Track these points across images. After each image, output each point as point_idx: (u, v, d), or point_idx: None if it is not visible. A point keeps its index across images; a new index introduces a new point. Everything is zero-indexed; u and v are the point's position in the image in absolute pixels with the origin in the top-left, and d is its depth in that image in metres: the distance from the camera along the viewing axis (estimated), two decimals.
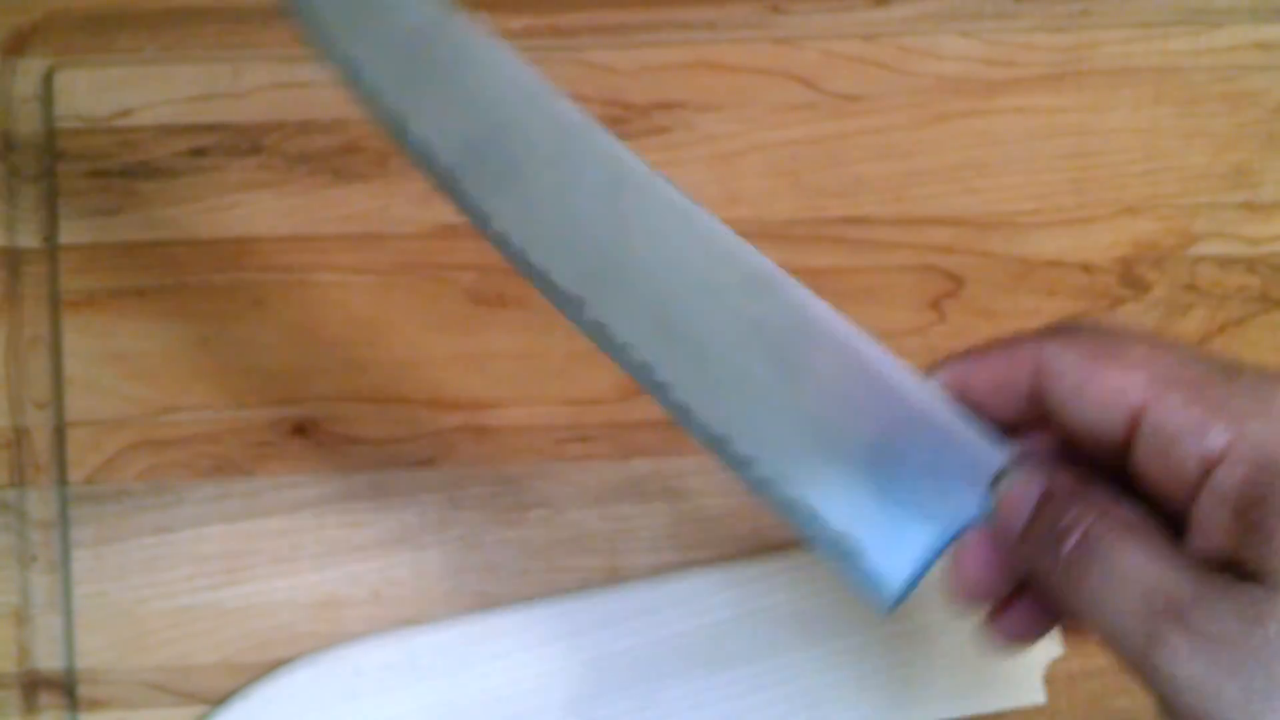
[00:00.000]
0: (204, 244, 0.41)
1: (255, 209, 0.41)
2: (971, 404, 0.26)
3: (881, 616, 0.27)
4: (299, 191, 0.41)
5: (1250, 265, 0.41)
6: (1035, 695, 0.39)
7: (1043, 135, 0.42)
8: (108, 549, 0.40)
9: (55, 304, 0.41)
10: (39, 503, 0.40)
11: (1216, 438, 0.23)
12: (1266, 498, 0.22)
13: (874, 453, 0.26)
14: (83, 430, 0.40)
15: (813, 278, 0.41)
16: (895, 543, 0.26)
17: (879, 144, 0.42)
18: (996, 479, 0.26)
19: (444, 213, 0.41)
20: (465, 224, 0.41)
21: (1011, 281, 0.41)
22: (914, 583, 0.26)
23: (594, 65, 0.42)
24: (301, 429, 0.40)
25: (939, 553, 0.26)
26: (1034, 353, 0.25)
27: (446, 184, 0.29)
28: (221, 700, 0.39)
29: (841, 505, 0.26)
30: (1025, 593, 0.27)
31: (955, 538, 0.26)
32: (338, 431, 0.40)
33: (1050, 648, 0.39)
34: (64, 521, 0.40)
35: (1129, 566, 0.23)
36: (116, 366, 0.40)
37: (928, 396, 0.27)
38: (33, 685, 0.39)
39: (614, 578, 0.40)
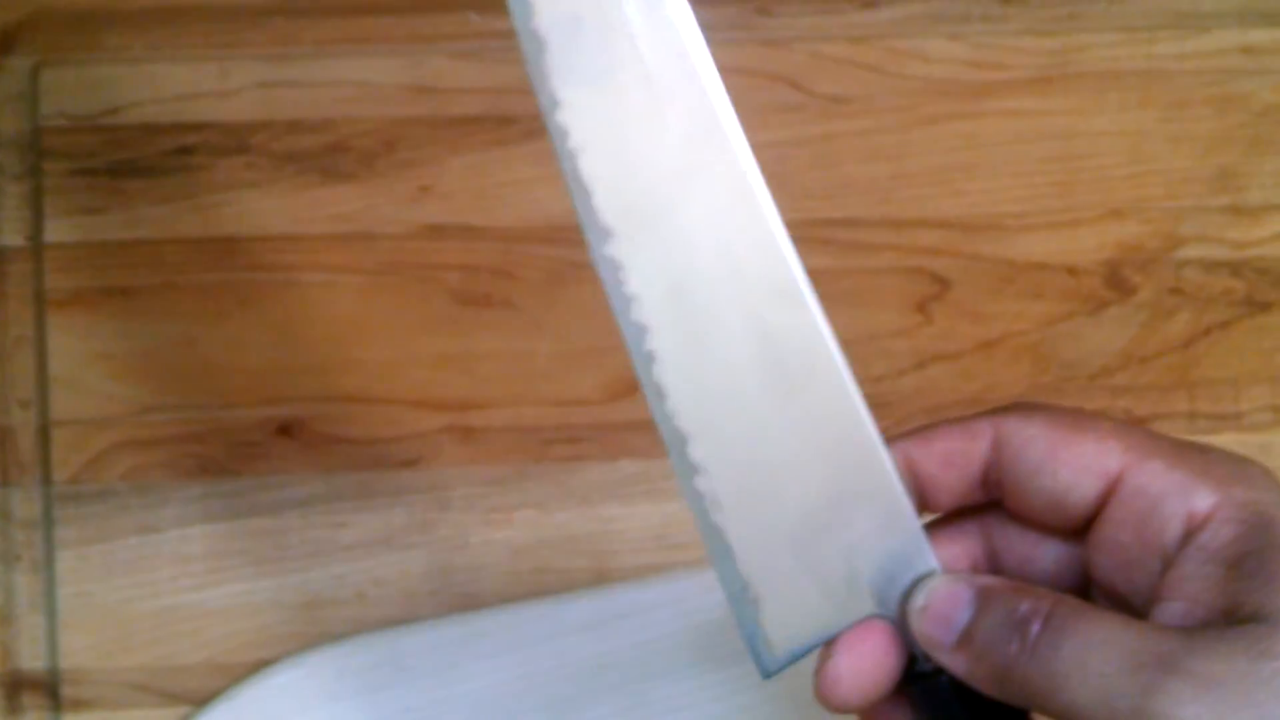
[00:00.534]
0: (190, 243, 0.41)
1: (242, 208, 0.41)
2: (919, 480, 0.26)
3: (760, 678, 0.27)
4: (286, 191, 0.41)
5: (1235, 269, 0.42)
6: None
7: (1030, 138, 0.42)
8: (92, 549, 0.39)
9: (40, 303, 0.40)
10: (23, 502, 0.40)
11: (1203, 499, 0.23)
12: (1263, 549, 0.22)
13: (814, 512, 0.26)
14: (67, 430, 0.40)
15: None
16: (794, 613, 0.26)
17: (866, 146, 0.42)
18: (915, 581, 0.25)
19: (431, 213, 0.41)
20: (451, 225, 0.41)
21: (998, 284, 0.41)
22: (796, 658, 0.26)
23: None
24: (287, 429, 0.40)
25: (831, 636, 0.26)
26: (994, 427, 0.25)
27: (534, 49, 0.27)
28: (206, 701, 0.39)
29: (759, 553, 0.26)
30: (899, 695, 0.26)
31: (847, 626, 0.26)
32: (323, 431, 0.40)
33: None
34: (48, 521, 0.40)
35: (1106, 634, 0.23)
36: (101, 366, 0.40)
37: (884, 475, 0.26)
38: (16, 685, 0.39)
39: (601, 579, 0.40)
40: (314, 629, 0.39)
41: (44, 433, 0.40)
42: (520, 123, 0.41)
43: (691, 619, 0.39)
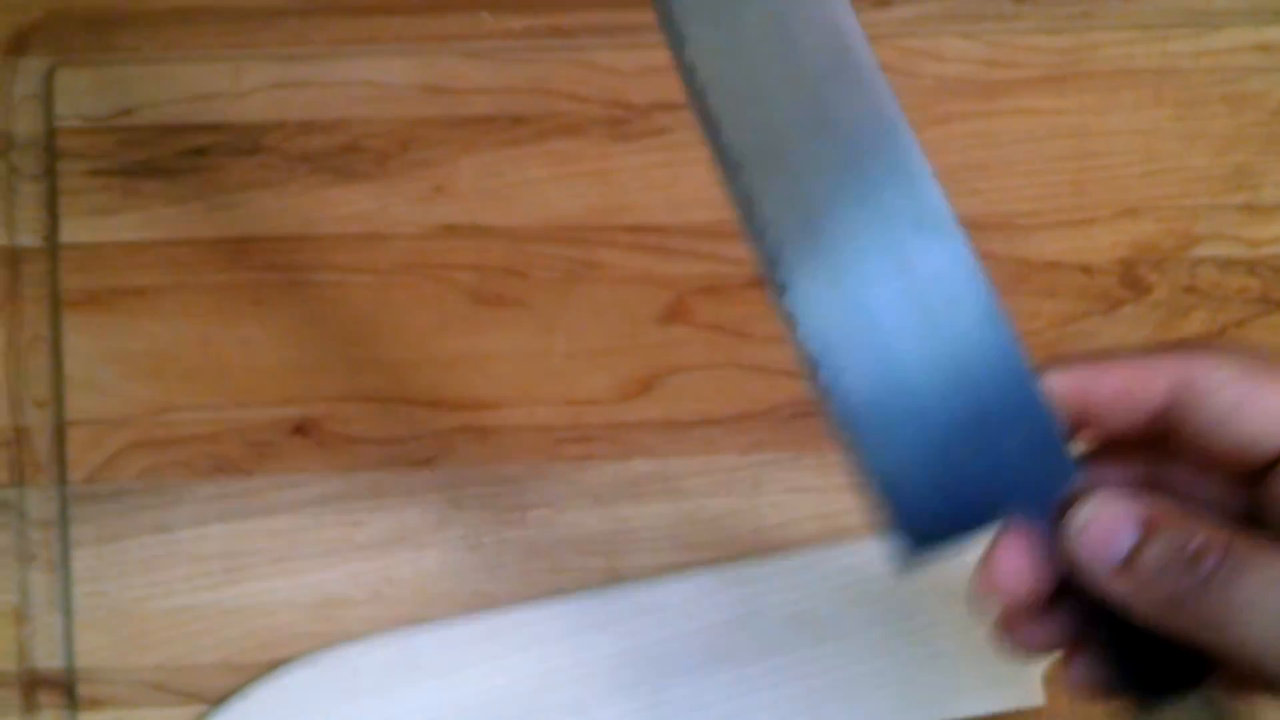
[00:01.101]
0: (205, 244, 0.41)
1: (256, 208, 0.41)
2: (1086, 411, 0.26)
3: (895, 571, 0.27)
4: (299, 191, 0.41)
5: (1250, 267, 0.42)
6: (1034, 697, 0.39)
7: (1043, 137, 0.42)
8: (107, 548, 0.40)
9: (55, 303, 0.41)
10: (39, 502, 0.40)
11: None
12: None
13: (960, 414, 0.26)
14: (83, 429, 0.40)
15: None
16: (939, 508, 0.26)
17: None
18: (1068, 496, 0.25)
19: (444, 213, 0.41)
20: (464, 225, 0.41)
21: (1012, 283, 0.41)
22: (938, 551, 0.26)
23: (596, 66, 0.42)
24: (301, 429, 0.40)
25: (977, 535, 0.26)
26: (1178, 367, 0.25)
27: None
28: (221, 700, 0.39)
29: (904, 450, 0.26)
30: (1051, 606, 0.26)
31: (1002, 528, 0.26)
32: (338, 431, 0.40)
33: None
34: (64, 521, 0.40)
35: None
36: (116, 366, 0.40)
37: (1033, 386, 0.26)
38: (32, 684, 0.39)
39: (614, 578, 0.40)
40: (329, 628, 0.39)
41: (60, 432, 0.40)
42: (533, 122, 0.41)
43: (706, 618, 0.39)
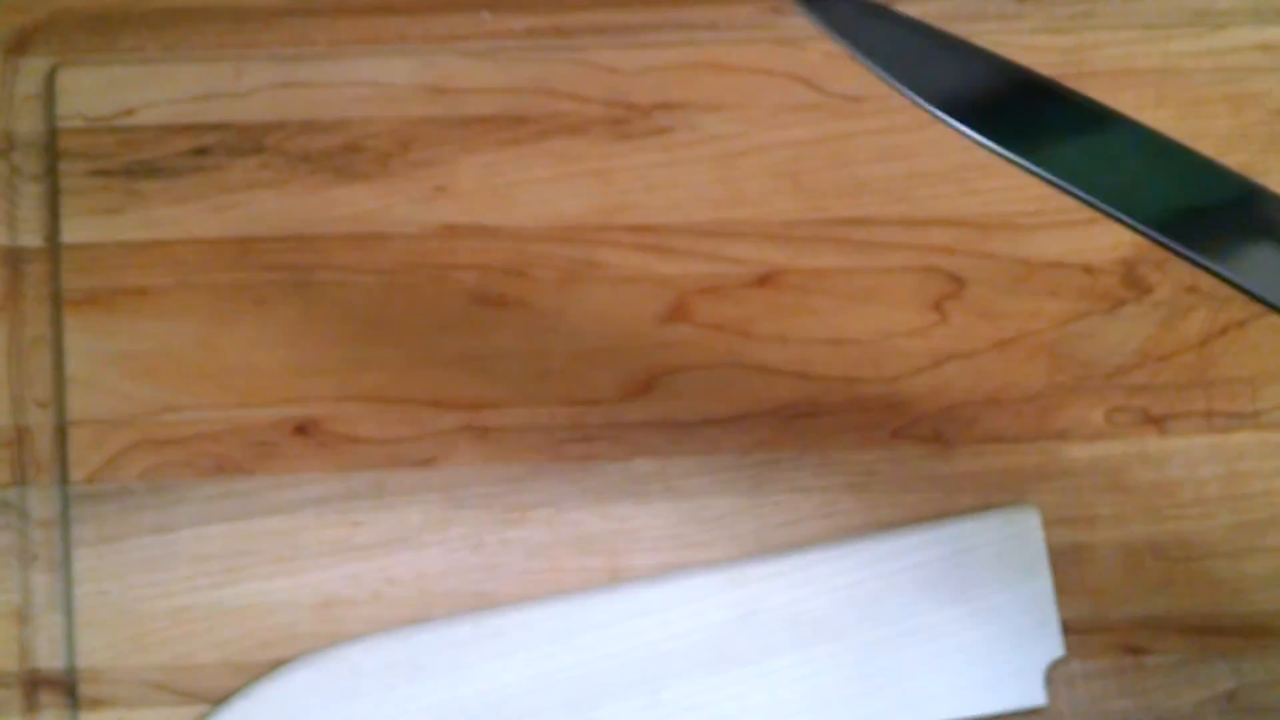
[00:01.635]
0: (206, 243, 0.41)
1: (257, 208, 0.41)
2: None
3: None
4: (301, 191, 0.41)
5: None
6: (1036, 696, 0.39)
7: None
8: (109, 548, 0.40)
9: (57, 303, 0.41)
10: (40, 501, 0.40)
11: None
12: None
13: None
14: (84, 429, 0.40)
15: (814, 278, 0.41)
16: None
17: (881, 145, 0.42)
18: None
19: (445, 213, 0.41)
20: (465, 225, 0.41)
21: (1013, 283, 0.41)
22: None
23: (597, 66, 0.42)
24: (303, 429, 0.40)
25: None
26: None
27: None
28: (222, 699, 0.39)
29: None
30: None
31: None
32: (339, 431, 0.40)
33: (1052, 648, 0.39)
34: (65, 520, 0.40)
35: None
36: (118, 366, 0.40)
37: None
38: (33, 684, 0.39)
39: (615, 578, 0.40)
40: (330, 628, 0.39)
41: (61, 432, 0.40)
42: (534, 122, 0.42)
43: (706, 618, 0.39)
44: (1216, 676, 0.40)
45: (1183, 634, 0.40)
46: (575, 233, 0.41)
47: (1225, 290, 0.42)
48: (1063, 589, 0.40)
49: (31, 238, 0.41)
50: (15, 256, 0.41)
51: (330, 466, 0.40)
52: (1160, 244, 0.29)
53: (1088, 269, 0.41)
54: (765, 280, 0.41)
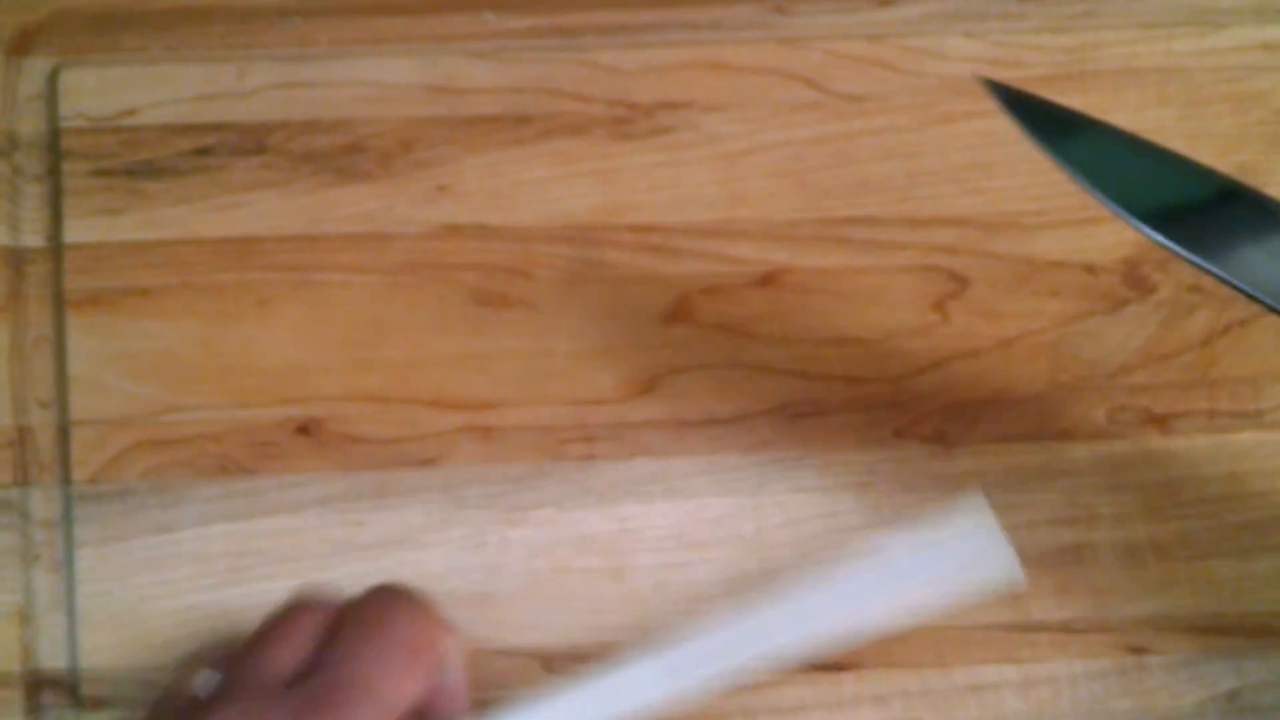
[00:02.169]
0: (208, 243, 0.41)
1: (259, 208, 0.41)
2: None
3: None
4: (303, 191, 0.41)
5: None
6: (1012, 569, 0.36)
7: None
8: (111, 548, 0.40)
9: (59, 303, 0.41)
10: (43, 502, 0.40)
11: None
12: None
13: None
14: (86, 429, 0.40)
15: (817, 278, 0.41)
16: None
17: (883, 144, 0.42)
18: None
19: (447, 213, 0.41)
20: (468, 224, 0.41)
21: (1016, 282, 0.41)
22: None
23: (599, 65, 0.42)
24: (305, 429, 0.40)
25: None
26: None
27: None
28: None
29: None
30: None
31: None
32: (341, 431, 0.40)
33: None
34: (68, 521, 0.40)
35: None
36: (120, 366, 0.40)
37: None
38: (36, 684, 0.39)
39: (618, 579, 0.40)
40: None
41: (63, 432, 0.40)
42: (537, 122, 0.42)
43: None
44: (1219, 676, 0.40)
45: (1185, 634, 0.40)
46: (577, 232, 0.41)
47: (1227, 290, 0.42)
48: (1064, 589, 0.40)
49: (34, 238, 0.41)
50: (17, 257, 0.41)
51: (332, 466, 0.40)
52: None
53: (1090, 269, 0.41)
54: (767, 280, 0.41)
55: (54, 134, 0.41)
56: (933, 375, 0.41)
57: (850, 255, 0.41)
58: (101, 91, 0.41)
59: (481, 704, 0.34)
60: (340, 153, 0.41)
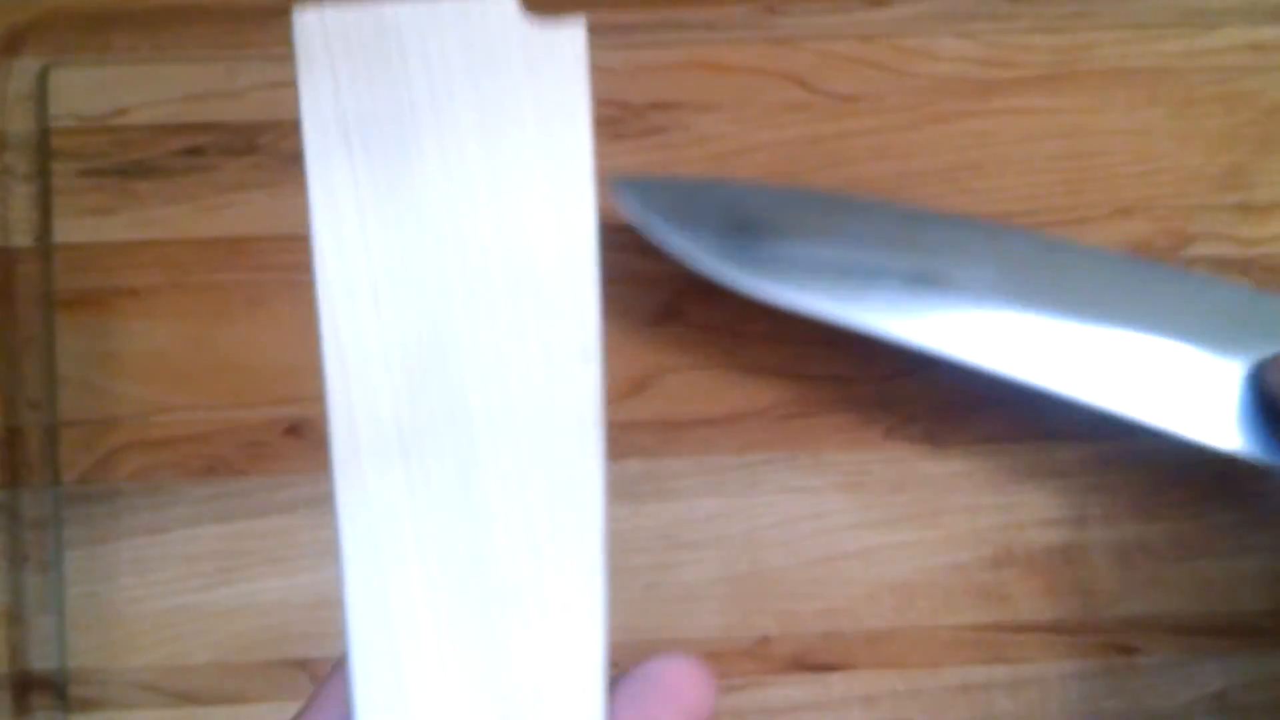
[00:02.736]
0: (199, 243, 0.41)
1: (250, 208, 0.41)
2: None
3: None
4: (294, 191, 0.41)
5: (1244, 267, 0.41)
6: None
7: (1038, 136, 0.42)
8: (100, 549, 0.40)
9: (49, 303, 0.40)
10: (31, 502, 0.40)
11: None
12: None
13: None
14: (75, 430, 0.40)
15: None
16: None
17: (875, 144, 0.42)
18: None
19: None
20: None
21: None
22: None
23: (592, 65, 0.42)
24: (295, 429, 0.40)
25: None
26: None
27: None
28: (215, 701, 0.39)
29: None
30: None
31: None
32: None
33: None
34: (56, 521, 0.40)
35: None
36: (110, 366, 0.40)
37: None
38: (24, 685, 0.39)
39: (610, 577, 0.40)
40: (322, 629, 0.39)
41: (52, 433, 0.40)
42: None
43: None
44: (1208, 677, 0.40)
45: (1174, 634, 0.40)
46: None
47: None
48: (1054, 589, 0.40)
49: (23, 238, 0.41)
50: (7, 257, 0.41)
51: (322, 467, 0.39)
52: None
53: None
54: None
55: (44, 134, 0.41)
56: (922, 376, 0.41)
57: None
58: (91, 91, 0.41)
59: None
60: None
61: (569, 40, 0.25)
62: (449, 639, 0.22)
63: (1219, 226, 0.42)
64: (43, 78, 0.41)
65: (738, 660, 0.40)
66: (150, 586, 0.39)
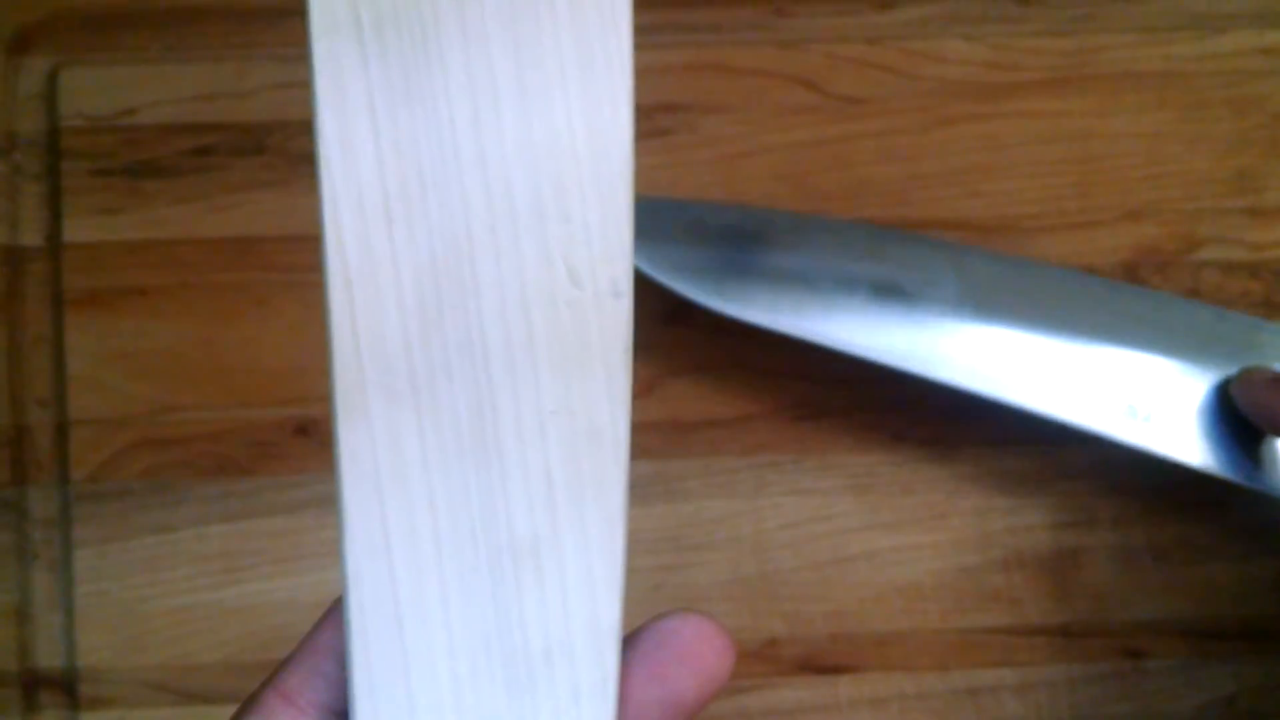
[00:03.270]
0: (207, 243, 0.41)
1: (258, 208, 0.41)
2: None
3: None
4: (302, 191, 0.41)
5: (1253, 270, 0.41)
6: None
7: (1046, 139, 0.42)
8: (109, 548, 0.40)
9: (58, 302, 0.41)
10: (40, 501, 0.40)
11: None
12: None
13: None
14: (84, 429, 0.40)
15: None
16: None
17: (883, 147, 0.42)
18: None
19: None
20: None
21: None
22: None
23: None
24: (304, 429, 0.40)
25: None
26: None
27: None
28: (222, 700, 0.39)
29: None
30: None
31: None
32: None
33: None
34: (65, 520, 0.40)
35: None
36: (119, 365, 0.40)
37: None
38: (33, 684, 0.39)
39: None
40: None
41: (62, 431, 0.40)
42: None
43: None
44: (1217, 681, 0.40)
45: (1183, 638, 0.40)
46: None
47: (1226, 293, 0.42)
48: (1063, 592, 0.40)
49: (33, 237, 0.41)
50: (16, 256, 0.41)
51: (330, 467, 0.40)
52: None
53: (1089, 272, 0.41)
54: None
55: (53, 133, 0.41)
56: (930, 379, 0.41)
57: None
58: (101, 91, 0.41)
59: None
60: None
61: None
62: (454, 595, 0.20)
63: (1228, 230, 0.42)
64: (52, 77, 0.41)
65: (746, 662, 0.40)
66: (159, 585, 0.39)
